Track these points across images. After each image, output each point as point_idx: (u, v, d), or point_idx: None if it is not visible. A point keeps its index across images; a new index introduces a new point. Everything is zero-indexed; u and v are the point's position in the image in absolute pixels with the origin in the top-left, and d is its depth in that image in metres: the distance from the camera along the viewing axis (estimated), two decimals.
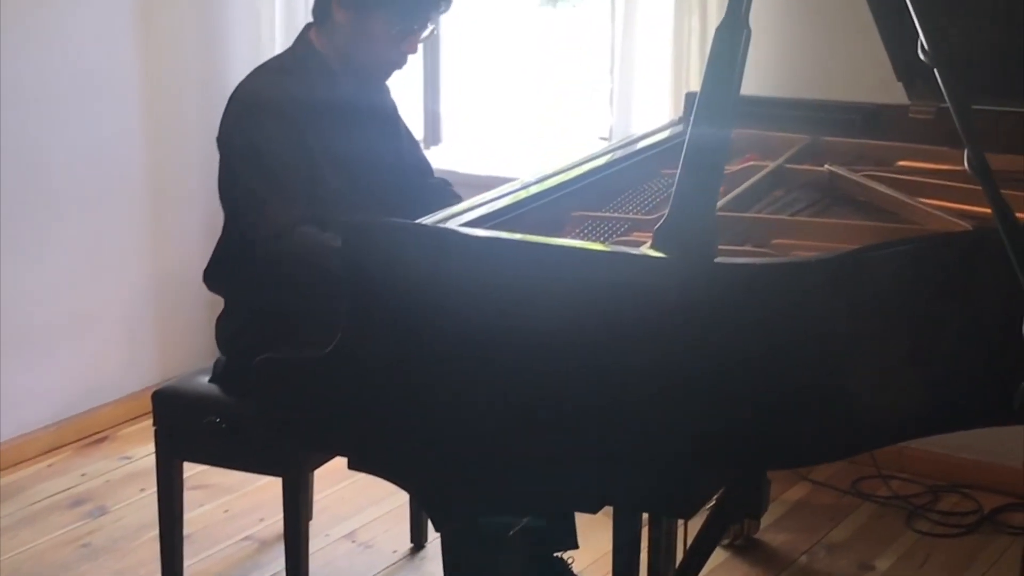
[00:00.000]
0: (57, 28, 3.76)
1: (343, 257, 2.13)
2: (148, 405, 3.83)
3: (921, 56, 1.81)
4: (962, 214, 2.38)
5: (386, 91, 2.99)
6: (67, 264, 3.89)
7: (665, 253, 1.97)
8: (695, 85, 3.60)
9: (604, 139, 4.04)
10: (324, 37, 2.81)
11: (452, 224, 2.28)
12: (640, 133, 3.35)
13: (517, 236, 2.17)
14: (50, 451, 3.86)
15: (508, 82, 5.01)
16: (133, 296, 4.12)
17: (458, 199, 3.03)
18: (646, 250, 2.04)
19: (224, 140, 2.78)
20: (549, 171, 2.69)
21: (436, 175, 3.14)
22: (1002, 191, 1.75)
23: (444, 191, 3.05)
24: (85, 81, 3.86)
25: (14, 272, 3.73)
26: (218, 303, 3.73)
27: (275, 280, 2.70)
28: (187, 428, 2.86)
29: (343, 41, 2.78)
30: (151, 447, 3.01)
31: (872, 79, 3.20)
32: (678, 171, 1.99)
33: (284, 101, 2.71)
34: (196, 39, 4.17)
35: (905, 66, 2.94)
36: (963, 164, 1.76)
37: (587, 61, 4.90)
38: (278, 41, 4.12)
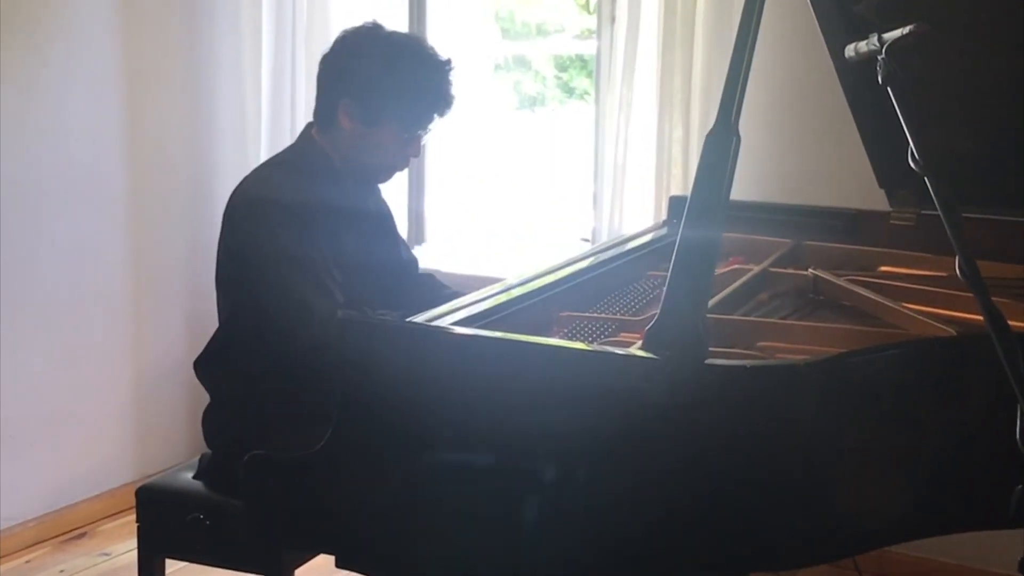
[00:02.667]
0: (48, 124, 3.80)
1: (336, 353, 2.14)
2: (128, 501, 3.87)
3: (911, 164, 1.85)
4: (946, 319, 2.41)
5: (379, 191, 3.03)
6: (49, 358, 3.89)
7: (655, 354, 2.00)
8: (677, 189, 3.67)
9: (586, 240, 4.08)
10: (327, 139, 2.82)
11: (442, 323, 2.29)
12: (624, 235, 3.39)
13: (507, 335, 2.18)
14: (29, 547, 3.83)
15: (489, 183, 5.06)
16: (114, 392, 4.12)
17: (446, 288, 3.06)
18: (635, 351, 2.06)
19: (240, 238, 2.73)
20: (535, 272, 2.72)
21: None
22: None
23: (432, 285, 3.08)
24: (73, 177, 3.89)
25: (1, 365, 3.72)
26: (198, 399, 3.71)
27: (288, 371, 2.67)
28: (170, 524, 2.84)
29: (348, 146, 2.80)
30: (131, 543, 2.99)
31: (854, 186, 3.25)
32: (669, 273, 2.02)
33: (302, 204, 2.69)
34: (183, 138, 4.22)
35: (887, 174, 3.00)
36: (943, 270, 1.80)
37: (569, 164, 4.96)
38: (264, 142, 4.17)
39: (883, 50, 1.96)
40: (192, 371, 3.89)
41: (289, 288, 2.62)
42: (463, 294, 2.58)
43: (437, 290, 3.05)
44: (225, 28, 4.23)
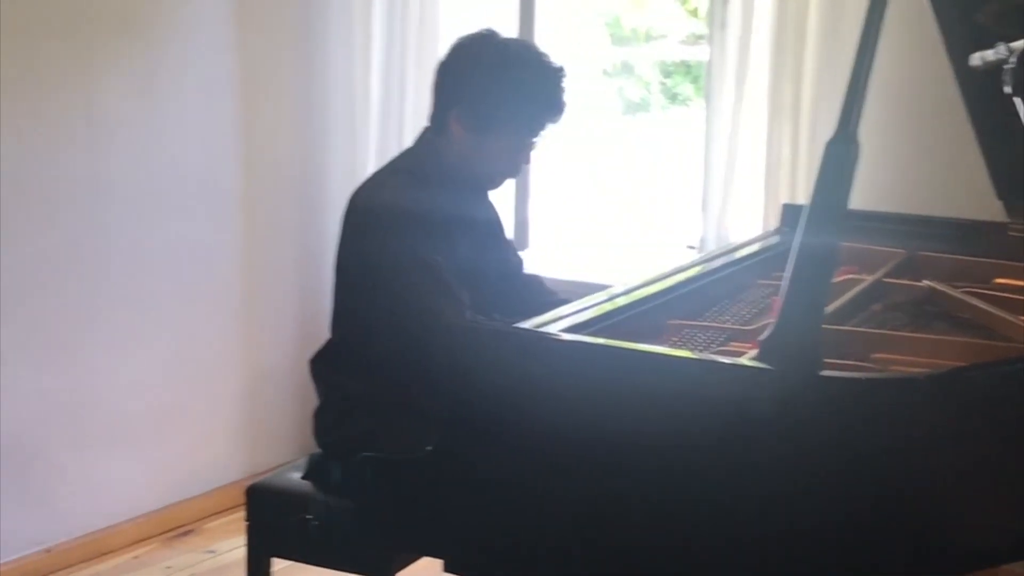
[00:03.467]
0: (164, 129, 3.87)
1: (446, 358, 2.15)
2: (234, 499, 3.94)
3: None
4: None
5: (488, 197, 3.04)
6: (161, 357, 3.95)
7: (770, 364, 1.98)
8: (786, 196, 3.63)
9: (692, 248, 4.05)
10: (441, 145, 2.83)
11: (551, 329, 2.29)
12: (733, 243, 3.36)
13: (616, 343, 2.18)
14: (137, 542, 3.89)
15: (594, 188, 5.06)
16: (224, 391, 4.17)
17: (552, 294, 3.06)
18: (749, 361, 2.04)
19: (363, 244, 2.75)
20: (643, 279, 2.71)
21: None
22: None
23: (538, 289, 3.09)
24: (188, 180, 3.96)
25: (109, 362, 3.79)
26: (307, 399, 3.74)
27: (402, 374, 2.68)
28: (279, 524, 2.87)
29: (460, 153, 2.80)
30: (236, 541, 3.02)
31: (969, 196, 3.20)
32: (786, 282, 2.00)
33: (423, 211, 2.71)
34: (295, 143, 4.27)
35: (1005, 184, 2.95)
36: None
37: (675, 170, 4.94)
38: (373, 148, 4.21)
39: (1012, 59, 1.92)
40: (300, 371, 3.94)
41: (417, 292, 2.63)
42: (567, 300, 2.58)
43: (542, 295, 3.05)
44: (337, 35, 4.27)
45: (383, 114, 4.20)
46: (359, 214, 2.78)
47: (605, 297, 2.55)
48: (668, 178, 5.06)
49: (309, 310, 4.28)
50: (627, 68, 5.29)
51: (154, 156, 3.84)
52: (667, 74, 5.36)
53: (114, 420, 3.83)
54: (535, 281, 3.15)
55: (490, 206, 3.05)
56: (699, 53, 4.62)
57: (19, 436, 3.58)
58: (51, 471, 3.68)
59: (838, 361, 2.28)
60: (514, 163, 2.85)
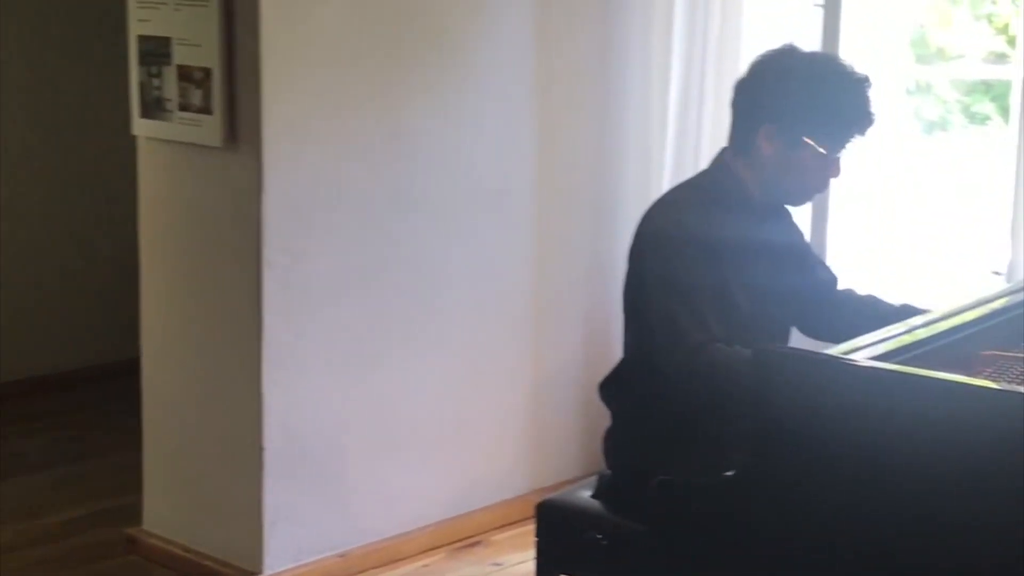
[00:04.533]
0: (464, 145, 3.94)
1: (752, 382, 2.11)
2: (521, 512, 3.98)
3: None
4: None
5: (790, 218, 2.97)
6: (452, 369, 4.02)
7: None
8: None
9: (998, 274, 3.88)
10: (744, 164, 2.81)
11: (858, 356, 2.23)
12: None
13: (929, 373, 2.10)
14: (425, 552, 3.96)
15: (893, 209, 4.91)
16: (512, 405, 4.22)
17: (886, 303, 2.96)
18: None
19: (643, 264, 2.78)
20: (952, 307, 2.61)
21: None
22: None
23: (871, 306, 2.99)
24: (484, 196, 4.02)
25: (404, 373, 3.89)
26: (592, 416, 3.77)
27: (680, 398, 2.68)
28: (568, 541, 2.87)
29: (768, 170, 2.78)
30: (523, 555, 3.05)
31: None
32: None
33: (707, 234, 2.71)
34: (589, 161, 4.29)
35: None
36: None
37: (978, 192, 4.75)
38: (668, 167, 4.19)
39: None
40: (586, 388, 3.98)
41: (667, 313, 2.65)
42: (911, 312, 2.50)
43: (874, 313, 2.93)
44: (635, 55, 4.27)
45: (679, 133, 4.17)
46: (639, 236, 2.82)
47: (908, 327, 2.47)
48: (970, 200, 4.86)
49: (596, 327, 4.29)
50: (924, 87, 5.12)
51: (453, 172, 3.92)
52: (966, 92, 5.15)
53: (407, 429, 3.92)
54: (866, 300, 3.03)
55: (792, 228, 2.99)
56: (1002, 72, 4.44)
57: (319, 442, 3.71)
58: (348, 477, 3.79)
59: None
60: (824, 177, 2.81)
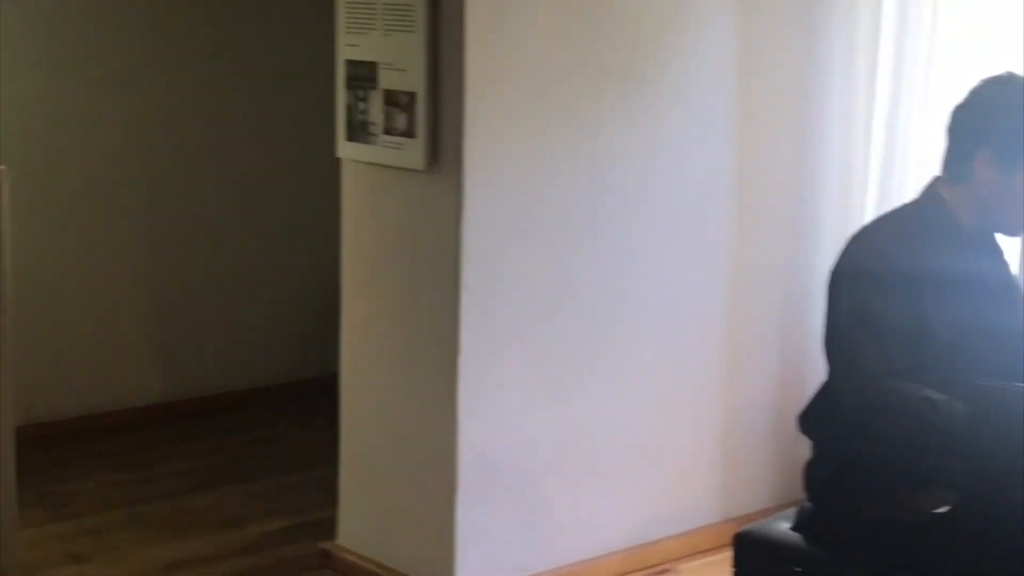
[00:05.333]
0: (658, 168, 3.92)
1: (970, 418, 2.06)
2: (711, 541, 3.94)
3: None
4: None
5: (1002, 254, 2.89)
6: (645, 394, 4.00)
7: None
8: None
9: None
10: (957, 192, 2.76)
11: None
12: None
13: None
14: None
15: None
16: (704, 433, 4.18)
17: None
18: None
19: (839, 292, 2.77)
20: None
21: None
22: None
23: None
24: (682, 222, 4.00)
25: (597, 397, 3.88)
26: (783, 446, 3.70)
27: (861, 429, 2.64)
28: (766, 573, 2.84)
29: (985, 198, 2.73)
30: None
31: None
32: None
33: (908, 264, 2.68)
34: (788, 187, 4.24)
35: None
36: None
37: None
38: (871, 196, 4.12)
39: None
40: (779, 417, 3.92)
41: (852, 343, 2.65)
42: None
43: None
44: (837, 81, 4.22)
45: (885, 162, 4.09)
46: (839, 264, 2.80)
47: None
48: None
49: (791, 355, 4.24)
50: None
51: (650, 196, 3.92)
52: None
53: (599, 454, 3.91)
54: None
55: (1003, 262, 2.90)
56: None
57: (512, 463, 3.73)
58: (539, 500, 3.81)
59: None
60: None
